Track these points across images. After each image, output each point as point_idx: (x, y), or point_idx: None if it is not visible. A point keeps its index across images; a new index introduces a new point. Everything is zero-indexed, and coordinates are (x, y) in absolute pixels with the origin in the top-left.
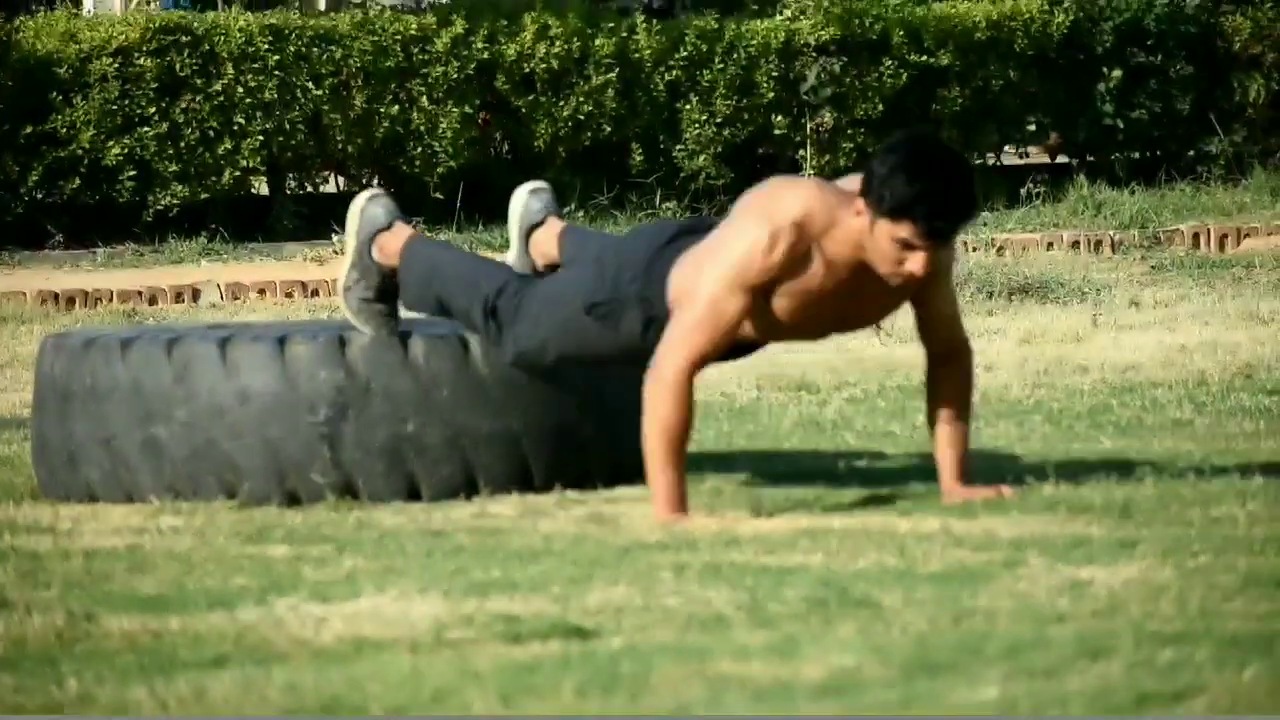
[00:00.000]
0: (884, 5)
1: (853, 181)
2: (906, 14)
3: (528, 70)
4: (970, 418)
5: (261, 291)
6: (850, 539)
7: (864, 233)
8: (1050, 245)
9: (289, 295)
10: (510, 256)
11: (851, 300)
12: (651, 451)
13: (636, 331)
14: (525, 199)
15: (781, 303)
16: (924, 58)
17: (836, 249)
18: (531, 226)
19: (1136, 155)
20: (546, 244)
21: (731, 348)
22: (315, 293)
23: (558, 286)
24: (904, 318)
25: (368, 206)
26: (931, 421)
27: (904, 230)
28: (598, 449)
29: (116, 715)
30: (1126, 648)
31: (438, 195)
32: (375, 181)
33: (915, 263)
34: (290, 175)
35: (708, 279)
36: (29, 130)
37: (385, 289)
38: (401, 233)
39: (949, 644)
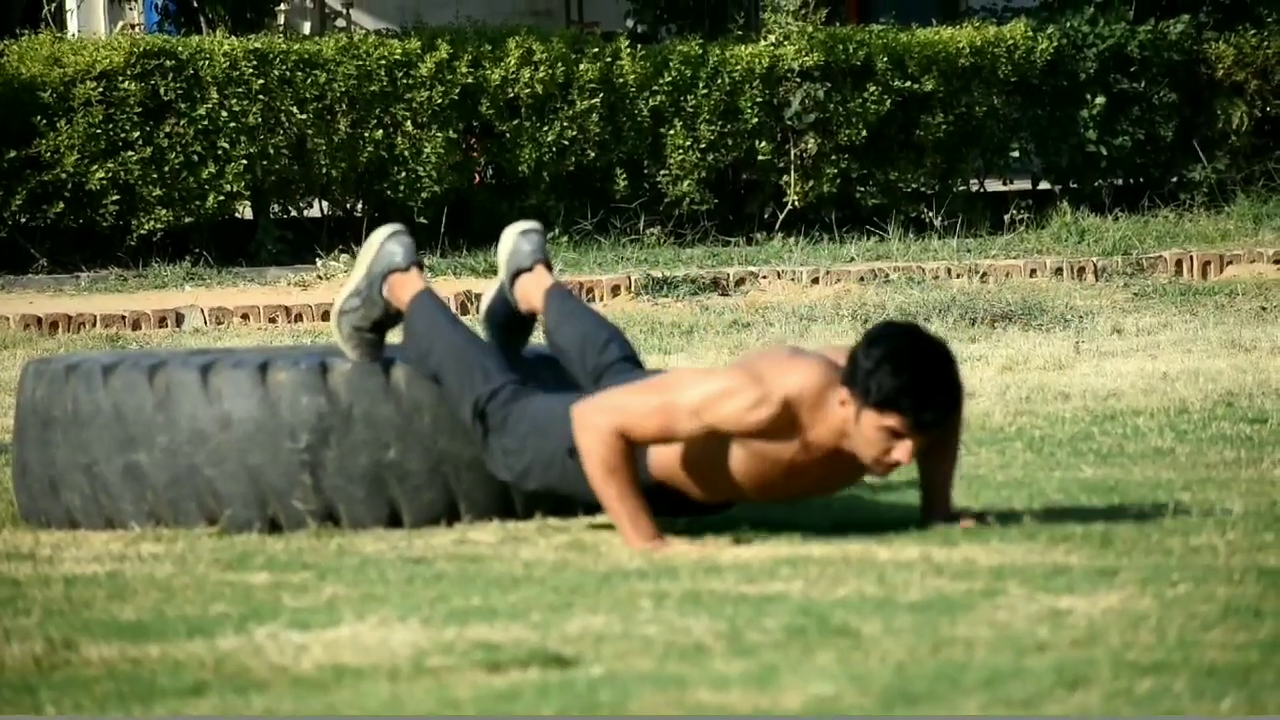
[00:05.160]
0: (868, 31)
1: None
2: (890, 40)
3: (512, 95)
4: (958, 454)
5: (245, 316)
6: (830, 567)
7: (848, 421)
8: (1033, 272)
9: (272, 320)
10: (493, 288)
11: (821, 476)
12: (604, 491)
13: None
14: (515, 240)
15: (751, 466)
16: (907, 84)
17: (819, 432)
18: (519, 270)
19: (1120, 182)
20: (533, 294)
21: (689, 505)
22: (299, 317)
23: (546, 413)
24: None
25: (387, 243)
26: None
27: (891, 421)
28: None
29: None
30: (1105, 678)
31: (421, 220)
32: (359, 206)
33: (901, 452)
34: (274, 199)
35: (681, 389)
36: (12, 154)
37: (382, 322)
38: (415, 281)
39: (928, 673)
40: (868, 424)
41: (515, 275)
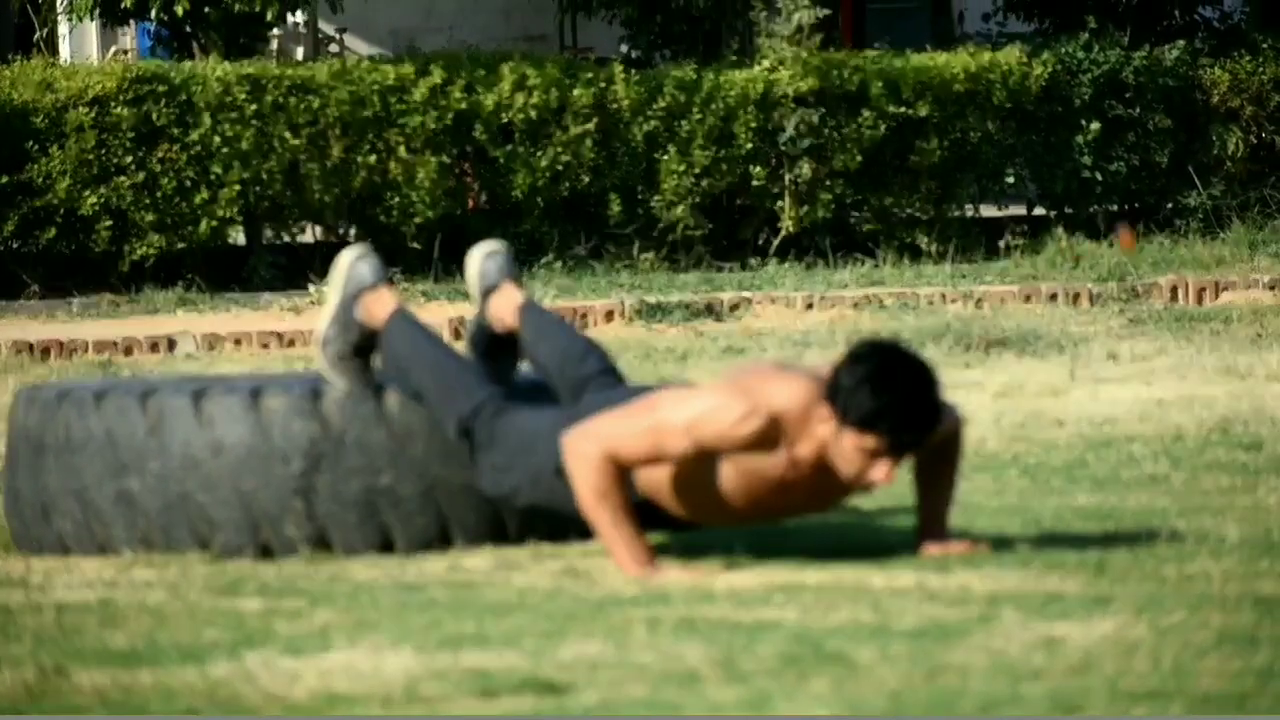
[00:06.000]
0: (862, 56)
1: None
2: (885, 65)
3: (506, 120)
4: (956, 481)
5: (238, 342)
6: (825, 594)
7: (829, 438)
8: (1028, 298)
9: (265, 346)
10: (473, 315)
11: (809, 493)
12: (597, 518)
13: None
14: (480, 263)
15: (738, 482)
16: (902, 109)
17: (806, 448)
18: (487, 290)
19: (1115, 207)
20: (504, 312)
21: (673, 521)
22: (291, 343)
23: (532, 429)
24: None
25: (355, 265)
26: (917, 477)
27: (869, 442)
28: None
29: None
30: (1100, 705)
31: (415, 245)
32: (352, 231)
33: (879, 472)
34: (267, 225)
35: (669, 408)
36: (4, 180)
37: (363, 346)
38: (387, 299)
39: (922, 701)
40: (846, 442)
41: (485, 295)
